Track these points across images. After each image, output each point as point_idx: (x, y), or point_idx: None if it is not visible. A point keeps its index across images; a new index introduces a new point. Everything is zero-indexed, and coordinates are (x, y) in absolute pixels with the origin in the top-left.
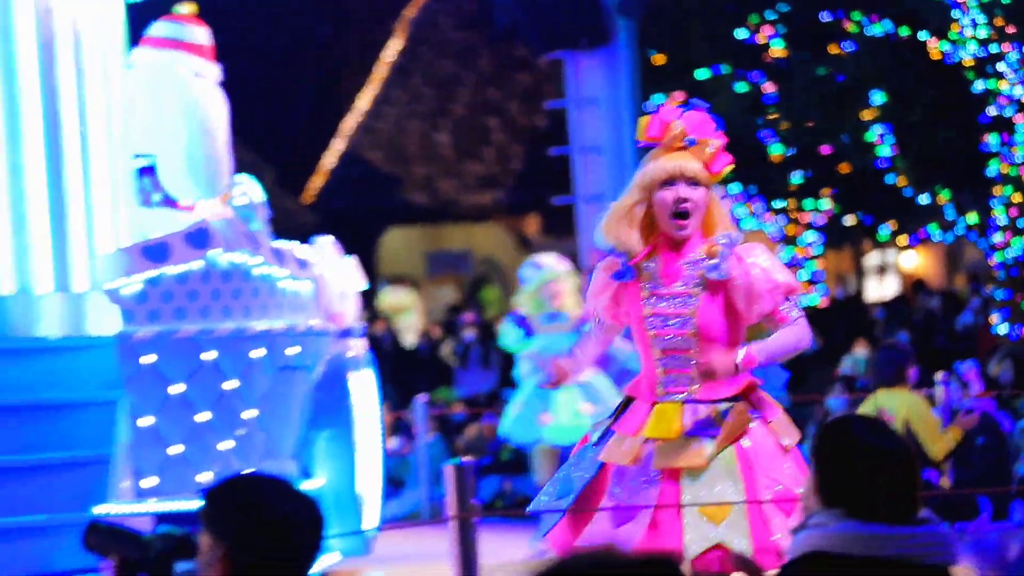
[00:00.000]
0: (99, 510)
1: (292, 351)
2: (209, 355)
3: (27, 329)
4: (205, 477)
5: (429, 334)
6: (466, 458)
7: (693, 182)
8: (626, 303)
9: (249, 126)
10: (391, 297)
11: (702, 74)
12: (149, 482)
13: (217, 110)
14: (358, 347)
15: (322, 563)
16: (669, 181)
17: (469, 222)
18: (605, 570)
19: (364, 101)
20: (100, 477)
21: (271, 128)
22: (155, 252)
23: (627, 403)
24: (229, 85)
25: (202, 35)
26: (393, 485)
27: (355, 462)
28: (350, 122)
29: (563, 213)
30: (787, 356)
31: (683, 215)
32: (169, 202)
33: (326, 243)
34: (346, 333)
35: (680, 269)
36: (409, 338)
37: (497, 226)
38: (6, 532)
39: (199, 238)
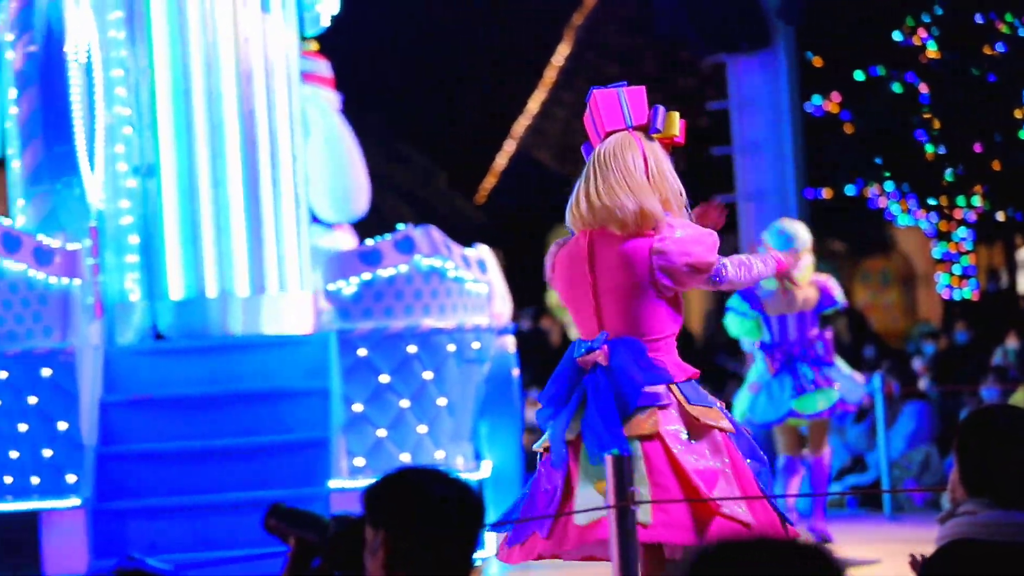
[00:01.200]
0: (334, 484)
1: (474, 346)
2: (411, 348)
3: (227, 328)
4: (405, 458)
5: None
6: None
7: None
8: None
9: (423, 131)
10: None
11: (858, 75)
12: (359, 462)
13: (350, 138)
14: (512, 343)
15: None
16: None
17: None
18: (758, 555)
19: (534, 104)
20: (318, 458)
21: (444, 132)
22: (369, 257)
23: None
24: (403, 92)
25: (327, 68)
26: None
27: (519, 449)
28: (520, 124)
29: (725, 210)
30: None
31: None
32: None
33: (484, 249)
34: (504, 331)
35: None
36: (575, 332)
37: None
38: (235, 506)
39: (406, 245)
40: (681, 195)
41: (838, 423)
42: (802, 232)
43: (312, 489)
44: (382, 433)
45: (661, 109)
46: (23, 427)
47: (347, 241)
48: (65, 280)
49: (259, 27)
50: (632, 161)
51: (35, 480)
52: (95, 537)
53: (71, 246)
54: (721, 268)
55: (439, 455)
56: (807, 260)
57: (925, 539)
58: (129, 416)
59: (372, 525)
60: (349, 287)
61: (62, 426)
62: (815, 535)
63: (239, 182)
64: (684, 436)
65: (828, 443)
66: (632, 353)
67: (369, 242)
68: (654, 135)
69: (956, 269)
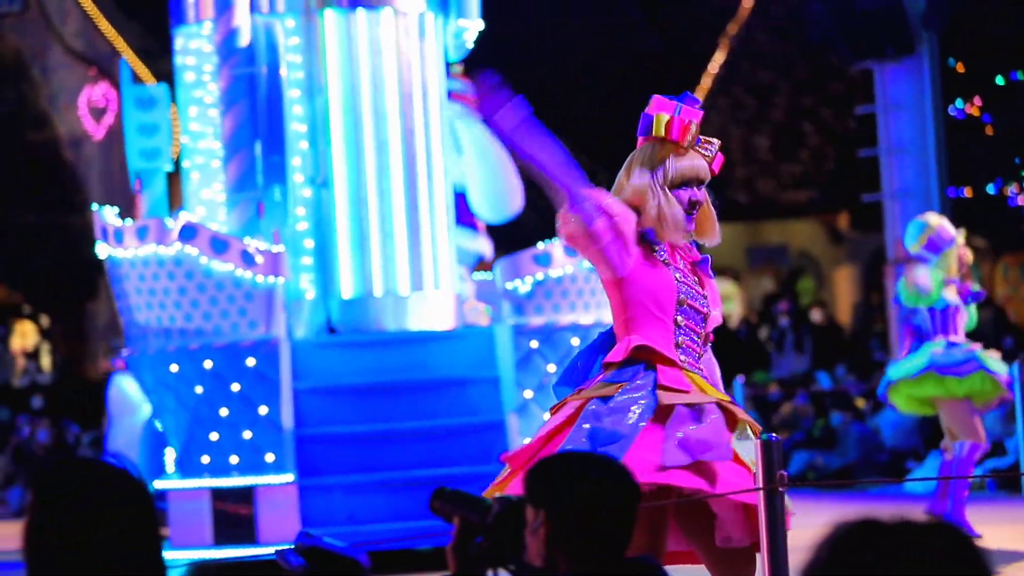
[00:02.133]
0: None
1: None
2: (575, 341)
3: (391, 323)
4: None
5: (748, 320)
6: (778, 435)
7: (702, 184)
8: (643, 261)
9: (584, 137)
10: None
11: (999, 80)
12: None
13: (498, 147)
14: None
15: None
16: (687, 183)
17: (786, 218)
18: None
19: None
20: (494, 439)
21: (605, 138)
22: (541, 259)
23: (641, 364)
24: (575, 99)
25: (471, 88)
26: None
27: None
28: None
29: (872, 209)
30: None
31: (692, 218)
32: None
33: None
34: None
35: (678, 257)
36: (731, 324)
37: (812, 221)
38: (422, 482)
39: (571, 248)
40: (661, 210)
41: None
42: (932, 217)
43: (490, 467)
44: (547, 417)
45: (653, 116)
46: (224, 411)
47: (485, 245)
48: (271, 279)
49: (417, 52)
50: (638, 164)
51: (234, 459)
52: (303, 510)
53: (275, 248)
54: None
55: None
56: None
57: None
58: (318, 402)
59: (534, 505)
60: (524, 286)
61: (263, 410)
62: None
63: (401, 193)
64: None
65: (972, 435)
66: (583, 351)
67: (540, 246)
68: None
69: None
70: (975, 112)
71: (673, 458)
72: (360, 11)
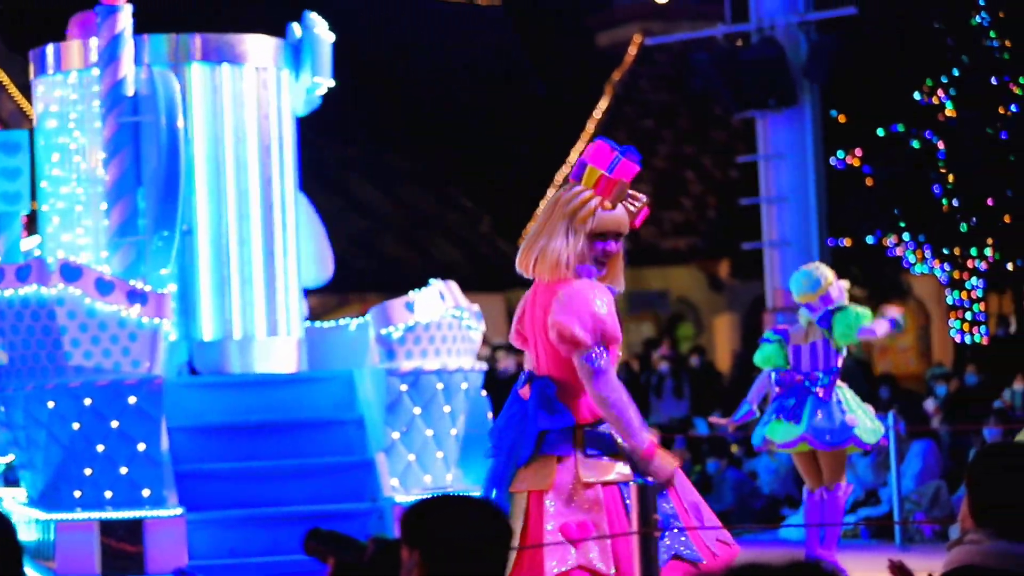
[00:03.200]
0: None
1: (476, 383)
2: (439, 385)
3: (249, 366)
4: (427, 480)
5: (628, 366)
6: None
7: (620, 237)
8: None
9: (471, 178)
10: None
11: (880, 132)
12: (395, 482)
13: (313, 214)
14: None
15: None
16: (605, 234)
17: (667, 264)
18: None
19: (575, 154)
20: (364, 478)
21: (491, 179)
22: (411, 306)
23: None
24: (454, 141)
25: None
26: None
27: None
28: (562, 172)
29: (752, 257)
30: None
31: (603, 266)
32: None
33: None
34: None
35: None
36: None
37: (692, 268)
38: (293, 519)
39: (440, 296)
40: (558, 252)
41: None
42: (827, 271)
43: (362, 504)
44: (411, 457)
45: (587, 166)
46: (101, 447)
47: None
48: (156, 319)
49: (275, 106)
50: (562, 206)
51: (108, 494)
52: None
53: (161, 290)
54: (598, 358)
55: (449, 477)
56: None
57: (934, 568)
58: (188, 440)
59: (408, 546)
60: (396, 331)
61: (141, 447)
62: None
63: (259, 240)
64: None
65: (842, 477)
66: (542, 395)
67: (411, 294)
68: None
69: (968, 315)
70: (856, 163)
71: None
72: (224, 65)
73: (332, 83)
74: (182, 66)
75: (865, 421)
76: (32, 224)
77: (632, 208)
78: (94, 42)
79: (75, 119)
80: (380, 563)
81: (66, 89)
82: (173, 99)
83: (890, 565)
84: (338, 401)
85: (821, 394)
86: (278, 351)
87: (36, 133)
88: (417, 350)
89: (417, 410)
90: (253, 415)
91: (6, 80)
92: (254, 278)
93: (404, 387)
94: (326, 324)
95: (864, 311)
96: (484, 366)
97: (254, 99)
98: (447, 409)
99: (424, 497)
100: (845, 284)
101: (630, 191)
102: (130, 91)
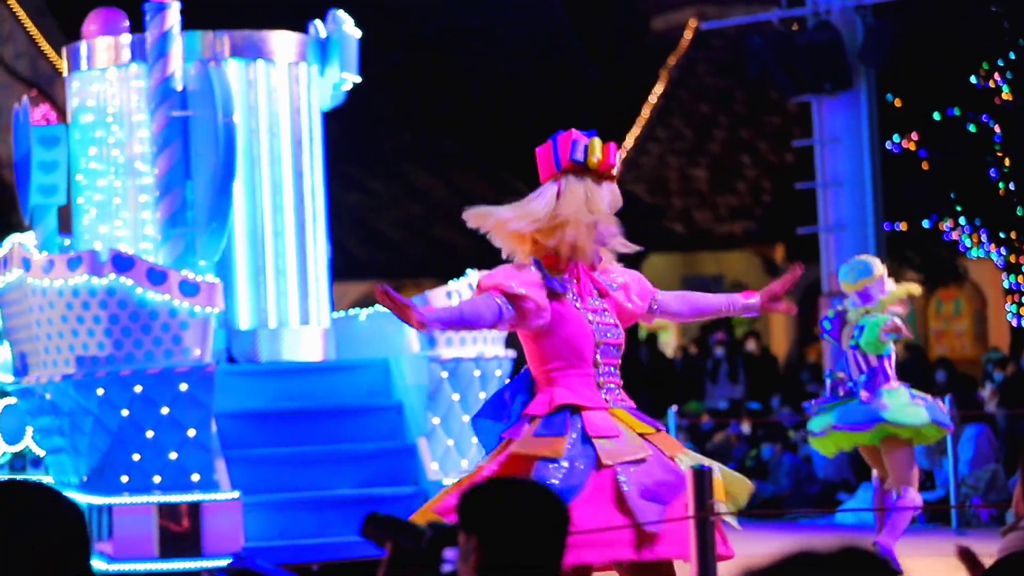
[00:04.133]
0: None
1: (497, 373)
2: (476, 372)
3: (284, 353)
4: (463, 464)
5: (686, 350)
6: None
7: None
8: (557, 311)
9: (524, 164)
10: None
11: (936, 116)
12: (435, 466)
13: None
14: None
15: None
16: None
17: (722, 249)
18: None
19: (630, 139)
20: (406, 462)
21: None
22: (452, 295)
23: (566, 411)
24: (513, 128)
25: None
26: None
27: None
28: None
29: (808, 241)
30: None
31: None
32: None
33: None
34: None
35: (588, 285)
36: (667, 353)
37: (747, 253)
38: (342, 502)
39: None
40: (596, 227)
41: None
42: (877, 266)
43: (406, 488)
44: (449, 442)
45: (581, 142)
46: (150, 434)
47: None
48: (208, 309)
49: (305, 100)
50: (540, 192)
51: (157, 479)
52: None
53: (211, 279)
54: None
55: (464, 464)
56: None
57: (990, 553)
58: (234, 425)
59: (466, 531)
60: None
61: (191, 433)
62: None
63: (293, 232)
64: None
65: (910, 481)
66: (509, 387)
67: (452, 283)
68: (583, 166)
69: None
70: (912, 147)
71: (645, 512)
72: (259, 62)
73: (358, 79)
74: (219, 62)
75: (905, 408)
76: (63, 217)
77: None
78: (126, 38)
79: (113, 113)
80: (437, 549)
81: (103, 84)
82: (228, 94)
83: (957, 551)
84: (374, 388)
85: (864, 397)
86: (310, 339)
87: (71, 128)
88: (456, 338)
89: (456, 396)
90: (294, 401)
91: (41, 40)
92: (288, 268)
93: (445, 374)
94: (361, 312)
95: (884, 316)
96: (514, 353)
97: (286, 94)
98: (482, 396)
99: (480, 482)
100: (894, 288)
101: None
102: (179, 86)
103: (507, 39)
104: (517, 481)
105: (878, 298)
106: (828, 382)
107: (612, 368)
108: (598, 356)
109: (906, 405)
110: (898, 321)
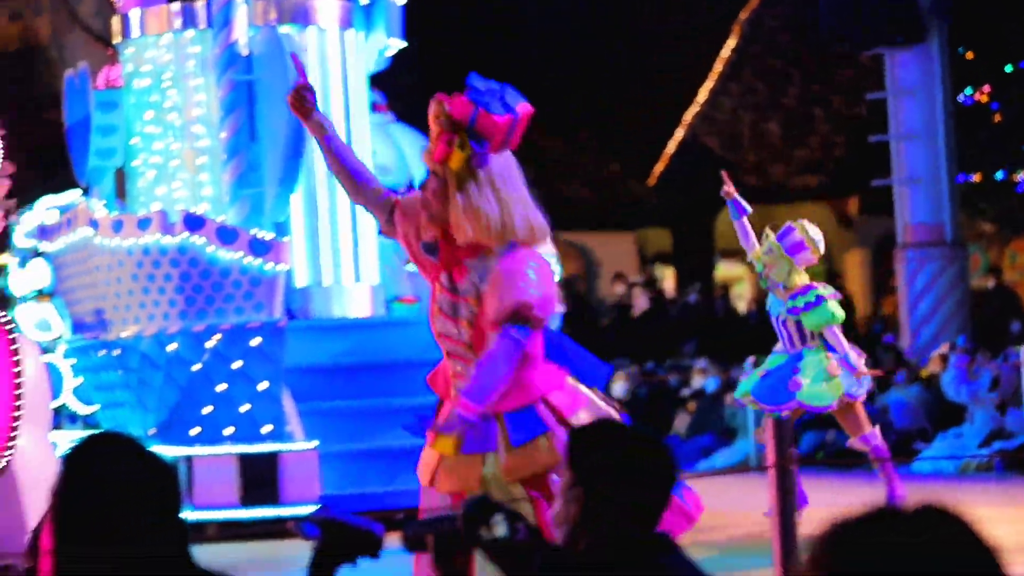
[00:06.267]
0: None
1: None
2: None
3: (342, 310)
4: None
5: (760, 303)
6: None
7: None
8: (425, 268)
9: (601, 120)
10: (726, 269)
11: (1007, 68)
12: None
13: None
14: None
15: None
16: None
17: (796, 202)
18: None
19: (703, 94)
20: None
21: (620, 121)
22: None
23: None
24: (583, 85)
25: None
26: (727, 436)
27: None
28: (690, 113)
29: (881, 194)
30: (494, 387)
31: None
32: None
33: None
34: None
35: (466, 269)
36: (741, 306)
37: (822, 206)
38: (391, 454)
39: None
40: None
41: (974, 393)
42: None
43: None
44: None
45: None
46: (222, 387)
47: None
48: (278, 266)
49: (354, 65)
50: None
51: (229, 431)
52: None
53: (282, 238)
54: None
55: None
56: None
57: None
58: (300, 379)
59: (572, 473)
60: None
61: (263, 386)
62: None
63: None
64: None
65: (864, 427)
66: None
67: None
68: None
69: None
70: (984, 99)
71: None
72: (311, 28)
73: (403, 44)
74: (271, 28)
75: (819, 385)
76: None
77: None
78: (176, 6)
79: (169, 78)
80: (474, 523)
81: (158, 51)
82: (266, 56)
83: None
84: (427, 343)
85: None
86: (360, 296)
87: (125, 92)
88: None
89: None
90: (353, 357)
91: None
92: (341, 228)
93: None
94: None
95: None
96: (563, 308)
97: (337, 59)
98: None
99: (585, 425)
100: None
101: None
102: (244, 52)
103: None
104: (623, 424)
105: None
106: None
107: (459, 361)
108: (443, 343)
109: (821, 380)
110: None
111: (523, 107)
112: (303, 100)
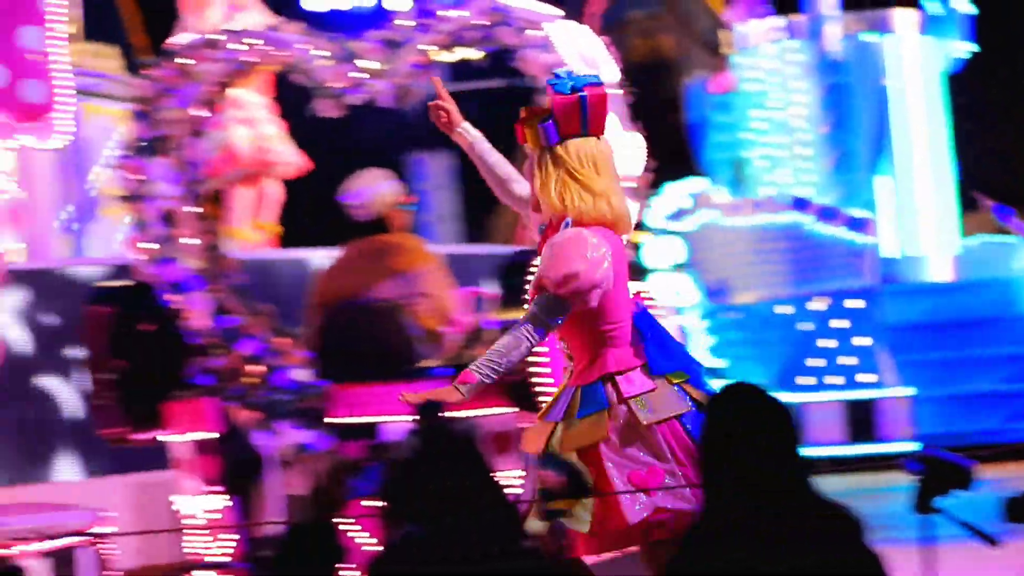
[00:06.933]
0: None
1: None
2: None
3: (931, 276)
4: None
5: None
6: None
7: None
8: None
9: None
10: None
11: None
12: None
13: None
14: None
15: None
16: None
17: None
18: None
19: None
20: None
21: None
22: None
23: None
24: None
25: None
26: None
27: None
28: None
29: None
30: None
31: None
32: None
33: None
34: None
35: None
36: None
37: None
38: (951, 400)
39: None
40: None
41: None
42: None
43: None
44: None
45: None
46: (827, 343)
47: None
48: (871, 239)
49: (928, 67)
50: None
51: (833, 380)
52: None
53: (872, 216)
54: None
55: None
56: None
57: None
58: (900, 335)
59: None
60: None
61: (863, 341)
62: None
63: (927, 176)
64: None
65: None
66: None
67: None
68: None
69: None
70: None
71: None
72: (889, 35)
73: (973, 47)
74: (857, 37)
75: None
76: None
77: None
78: (779, 21)
79: (775, 82)
80: (932, 490)
81: (765, 59)
82: (879, 64)
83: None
84: (1002, 302)
85: None
86: (942, 263)
87: (737, 95)
88: None
89: None
90: (941, 314)
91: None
92: (922, 205)
93: None
94: (989, 239)
95: None
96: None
97: (914, 62)
98: None
99: (729, 383)
100: None
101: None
102: (837, 58)
103: None
104: (749, 385)
105: None
106: None
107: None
108: None
109: None
110: None
111: (593, 89)
112: (439, 116)
